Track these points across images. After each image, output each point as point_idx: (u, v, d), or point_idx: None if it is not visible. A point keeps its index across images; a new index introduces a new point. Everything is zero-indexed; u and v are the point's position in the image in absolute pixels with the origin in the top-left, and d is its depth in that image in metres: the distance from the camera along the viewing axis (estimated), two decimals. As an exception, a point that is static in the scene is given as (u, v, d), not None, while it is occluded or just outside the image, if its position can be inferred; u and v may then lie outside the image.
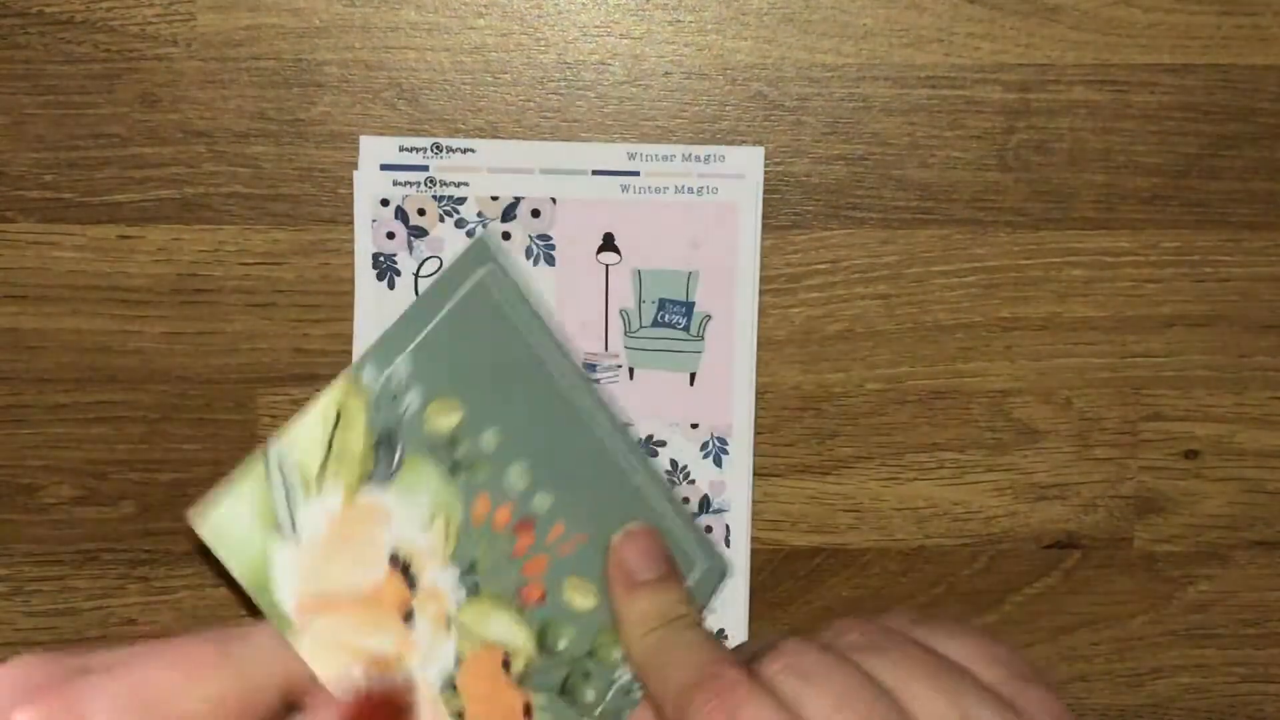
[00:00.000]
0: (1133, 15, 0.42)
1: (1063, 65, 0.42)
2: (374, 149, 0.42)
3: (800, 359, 0.43)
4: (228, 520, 0.36)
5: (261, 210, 0.43)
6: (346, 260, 0.42)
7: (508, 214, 0.43)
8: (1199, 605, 0.45)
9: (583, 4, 0.42)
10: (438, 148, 0.42)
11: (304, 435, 0.37)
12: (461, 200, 0.43)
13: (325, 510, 0.37)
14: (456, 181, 0.43)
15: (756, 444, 0.43)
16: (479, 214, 0.43)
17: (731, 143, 0.43)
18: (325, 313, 0.41)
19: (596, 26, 0.43)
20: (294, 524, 0.36)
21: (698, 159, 0.43)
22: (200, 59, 0.42)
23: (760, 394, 0.43)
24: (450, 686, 0.38)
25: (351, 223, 0.43)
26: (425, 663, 0.37)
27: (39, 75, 0.42)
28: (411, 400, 0.37)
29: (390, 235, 0.43)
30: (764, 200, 0.43)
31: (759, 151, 0.43)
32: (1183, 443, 0.44)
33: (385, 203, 0.43)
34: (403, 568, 0.37)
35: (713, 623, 0.44)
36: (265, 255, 0.43)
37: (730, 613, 0.44)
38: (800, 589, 0.44)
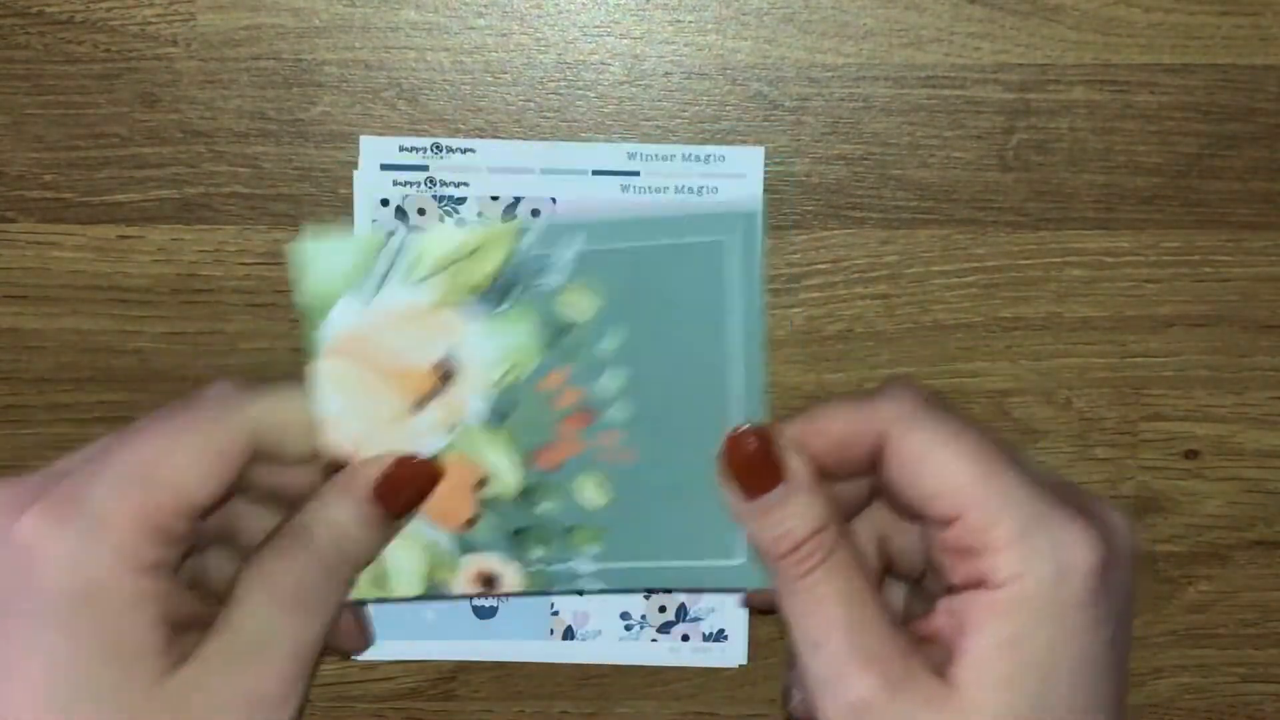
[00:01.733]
0: (1133, 15, 0.42)
1: (1063, 65, 0.42)
2: (374, 149, 0.42)
3: (800, 359, 0.43)
4: (327, 255, 0.36)
5: (261, 210, 0.43)
6: (346, 260, 0.42)
7: (507, 214, 0.43)
8: (1199, 605, 0.45)
9: (583, 4, 0.42)
10: (438, 148, 0.42)
11: (436, 242, 0.37)
12: (461, 200, 0.43)
13: (412, 297, 0.37)
14: (456, 181, 0.43)
15: (756, 444, 0.43)
16: (479, 214, 0.43)
17: (731, 143, 0.43)
18: (325, 313, 0.41)
19: (596, 26, 0.43)
20: (377, 291, 0.36)
21: (698, 159, 0.43)
22: (200, 59, 0.42)
23: (760, 394, 0.43)
24: None
25: (352, 223, 0.43)
26: (405, 441, 0.37)
27: (39, 75, 0.42)
28: (553, 280, 0.37)
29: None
30: (764, 200, 0.43)
31: (759, 151, 0.43)
32: (1183, 443, 0.44)
33: (385, 203, 0.43)
34: (443, 375, 0.37)
35: (712, 623, 0.44)
36: (265, 255, 0.43)
37: (729, 612, 0.44)
38: (800, 589, 0.44)
